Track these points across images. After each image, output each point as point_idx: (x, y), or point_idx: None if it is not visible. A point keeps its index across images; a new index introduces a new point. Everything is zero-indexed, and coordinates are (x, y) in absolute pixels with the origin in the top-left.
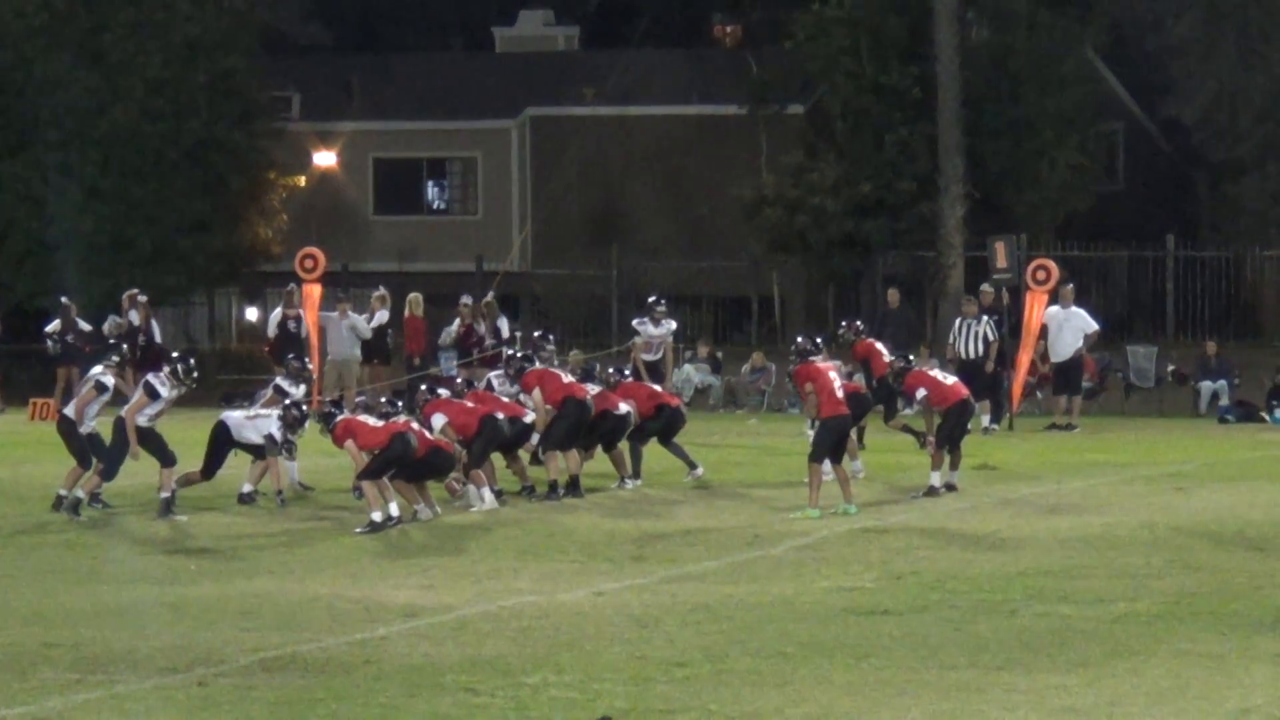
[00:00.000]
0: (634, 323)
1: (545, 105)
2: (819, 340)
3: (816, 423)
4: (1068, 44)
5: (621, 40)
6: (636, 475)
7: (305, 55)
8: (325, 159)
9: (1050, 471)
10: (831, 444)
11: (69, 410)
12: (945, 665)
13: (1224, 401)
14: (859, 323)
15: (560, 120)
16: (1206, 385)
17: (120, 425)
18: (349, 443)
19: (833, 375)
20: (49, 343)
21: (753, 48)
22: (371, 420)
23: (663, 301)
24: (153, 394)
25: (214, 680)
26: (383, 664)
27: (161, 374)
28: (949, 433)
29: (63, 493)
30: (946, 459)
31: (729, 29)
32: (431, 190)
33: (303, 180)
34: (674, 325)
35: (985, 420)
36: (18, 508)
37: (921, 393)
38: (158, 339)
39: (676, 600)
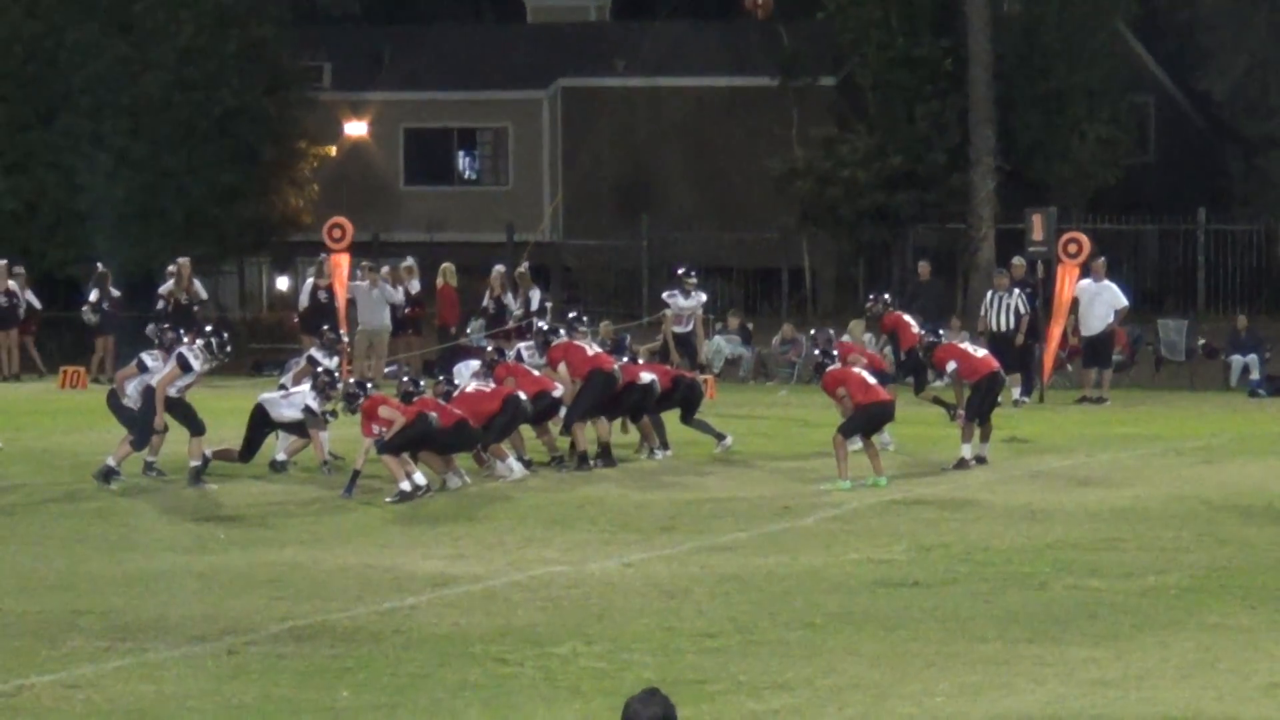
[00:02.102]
0: (664, 295)
1: (576, 76)
2: (832, 353)
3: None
4: (1099, 16)
5: (653, 11)
6: (664, 445)
7: (336, 25)
8: (356, 129)
9: (1080, 444)
10: (864, 425)
11: (152, 381)
12: (974, 637)
13: (1255, 375)
14: (886, 295)
15: (591, 91)
16: (1237, 359)
17: (150, 394)
18: (383, 410)
19: (858, 370)
20: (90, 314)
21: (784, 19)
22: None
23: (693, 273)
24: (185, 367)
25: (244, 649)
26: (412, 633)
27: (195, 347)
28: (979, 405)
29: (151, 459)
30: (977, 431)
31: (760, 0)
32: (462, 160)
33: (333, 150)
34: (704, 297)
35: (1016, 393)
36: (48, 476)
37: (951, 365)
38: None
39: (706, 571)
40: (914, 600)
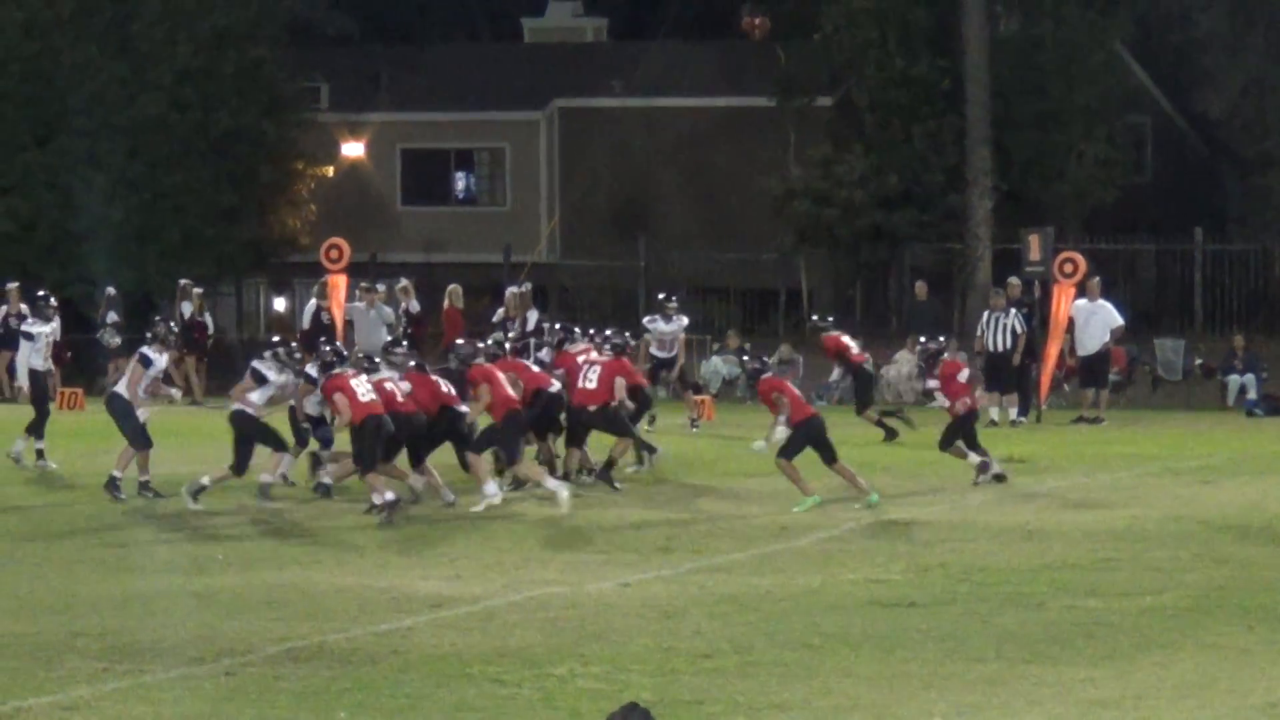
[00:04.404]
0: (645, 320)
1: (573, 96)
2: (763, 358)
3: (778, 425)
4: (1095, 36)
5: (650, 32)
6: (650, 449)
7: (334, 46)
8: (353, 149)
9: (1077, 464)
10: (803, 445)
11: (121, 389)
12: (972, 658)
13: (1251, 395)
14: (831, 317)
15: (588, 112)
16: (1234, 379)
17: (239, 417)
18: (337, 396)
19: (792, 385)
20: (112, 335)
21: (781, 40)
22: (363, 388)
23: (674, 298)
24: (259, 379)
25: (241, 670)
26: (409, 654)
27: (265, 358)
28: (954, 435)
29: (130, 477)
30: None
31: (757, 21)
32: (459, 181)
33: (331, 171)
34: (686, 321)
35: (1013, 413)
36: (46, 497)
37: (965, 374)
38: (209, 329)
39: (703, 591)
40: (911, 620)
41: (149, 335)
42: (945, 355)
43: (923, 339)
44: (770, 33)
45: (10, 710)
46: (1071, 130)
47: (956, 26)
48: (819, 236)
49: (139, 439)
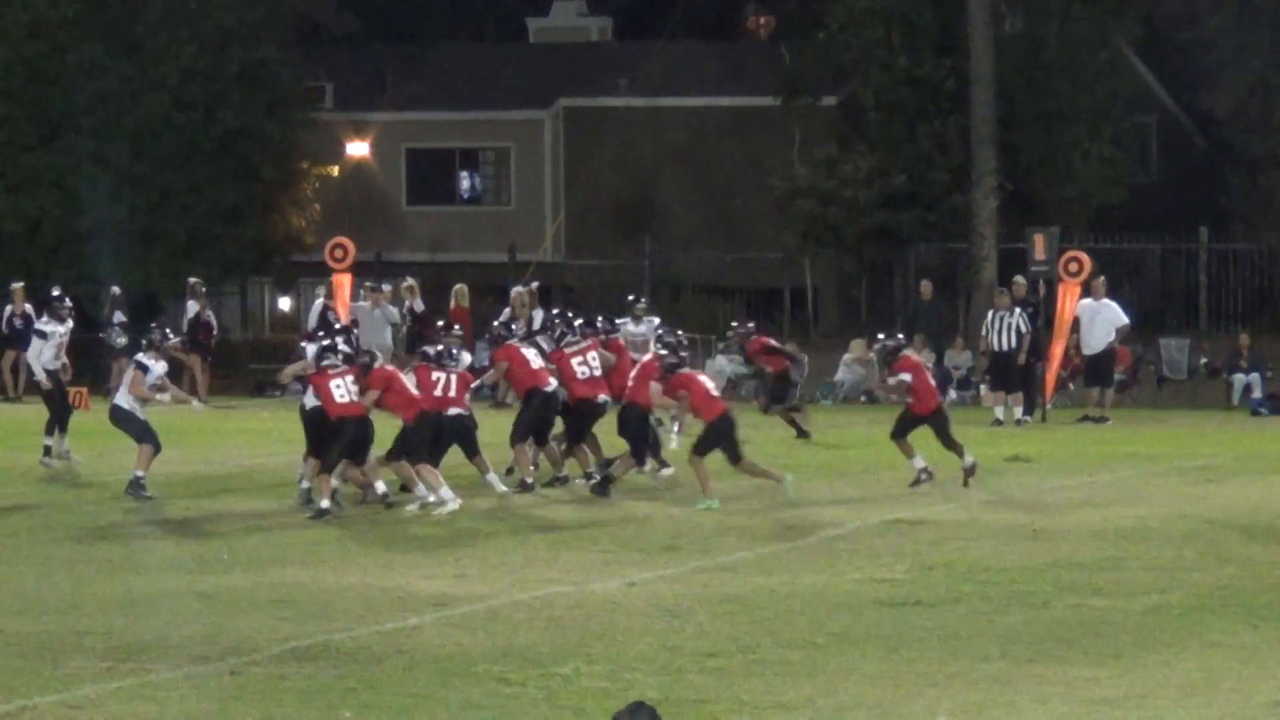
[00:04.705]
0: (615, 322)
1: (578, 96)
2: (681, 354)
3: (678, 425)
4: (1101, 36)
5: (655, 31)
6: (664, 464)
7: (339, 45)
8: (358, 149)
9: (1082, 463)
10: (716, 442)
11: (120, 400)
12: (977, 657)
13: (1256, 394)
14: (751, 323)
15: (593, 111)
16: (1239, 378)
17: (306, 414)
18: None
19: (702, 379)
20: (118, 335)
21: (786, 39)
22: (340, 390)
23: (643, 300)
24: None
25: (246, 669)
26: (415, 653)
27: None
28: (906, 428)
29: (139, 474)
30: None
31: (762, 20)
32: (464, 180)
33: (336, 170)
34: (656, 321)
35: (1018, 412)
36: (51, 496)
37: (906, 377)
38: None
39: (708, 590)
40: (916, 619)
41: (144, 343)
42: (905, 352)
43: (880, 336)
44: (775, 32)
45: (15, 709)
46: (1076, 130)
47: (961, 26)
48: (824, 236)
49: (148, 439)
